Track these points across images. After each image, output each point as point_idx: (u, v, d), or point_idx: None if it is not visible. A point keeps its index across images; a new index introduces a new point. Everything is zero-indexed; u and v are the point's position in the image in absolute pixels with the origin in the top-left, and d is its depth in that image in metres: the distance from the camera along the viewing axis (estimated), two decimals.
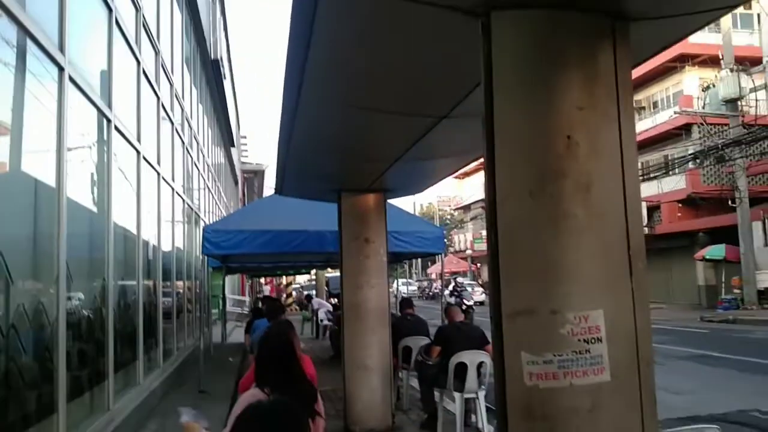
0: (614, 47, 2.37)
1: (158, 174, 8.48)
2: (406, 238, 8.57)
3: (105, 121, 5.76)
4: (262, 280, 34.90)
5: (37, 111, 4.31)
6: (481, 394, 6.16)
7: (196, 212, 13.24)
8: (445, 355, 6.25)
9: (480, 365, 6.13)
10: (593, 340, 2.18)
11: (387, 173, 5.77)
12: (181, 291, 11.40)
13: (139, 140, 7.14)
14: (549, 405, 2.15)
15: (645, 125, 26.16)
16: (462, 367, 6.07)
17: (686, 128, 24.43)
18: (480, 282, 39.88)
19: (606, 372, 2.18)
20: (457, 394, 6.08)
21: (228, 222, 9.45)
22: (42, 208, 4.31)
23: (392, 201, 8.02)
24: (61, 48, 4.40)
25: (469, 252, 44.99)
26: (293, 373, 2.78)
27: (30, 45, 3.95)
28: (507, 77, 2.29)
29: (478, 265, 46.73)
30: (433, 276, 50.07)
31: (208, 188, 16.82)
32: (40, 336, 4.08)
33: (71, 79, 4.61)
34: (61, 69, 4.41)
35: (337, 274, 7.99)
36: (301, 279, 42.19)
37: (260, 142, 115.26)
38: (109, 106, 5.79)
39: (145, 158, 7.45)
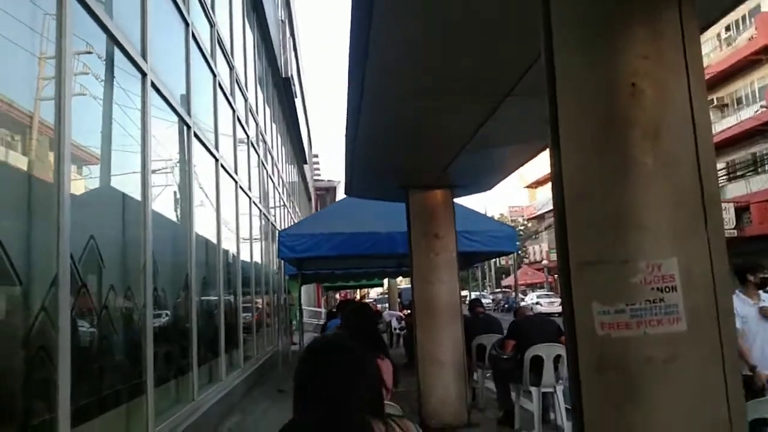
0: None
1: (236, 182, 8.88)
2: (477, 237, 8.50)
3: (185, 128, 6.13)
4: (337, 296, 35.44)
5: (123, 116, 4.65)
6: (559, 388, 5.99)
7: (273, 224, 13.72)
8: (519, 349, 6.14)
9: (557, 358, 5.97)
10: (667, 289, 2.11)
11: (453, 165, 5.79)
12: (260, 300, 11.81)
13: (217, 148, 7.52)
14: (622, 355, 2.09)
15: (729, 122, 24.78)
16: (538, 361, 5.94)
17: None
18: (557, 294, 38.73)
19: (682, 321, 2.10)
20: (533, 389, 5.95)
21: (302, 226, 9.72)
22: (130, 214, 4.62)
23: (462, 202, 8.04)
24: (144, 55, 4.74)
25: (545, 263, 43.82)
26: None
27: (116, 52, 4.30)
28: (567, 28, 2.29)
29: (556, 276, 45.43)
30: (508, 288, 49.17)
31: (284, 202, 17.38)
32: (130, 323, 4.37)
33: (153, 85, 4.95)
34: (144, 74, 4.75)
35: (409, 286, 8.00)
36: (374, 293, 42.51)
37: (332, 160, 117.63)
38: (189, 113, 6.15)
39: (223, 166, 7.84)
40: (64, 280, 3.15)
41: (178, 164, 6.06)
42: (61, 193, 3.20)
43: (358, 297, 34.73)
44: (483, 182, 7.01)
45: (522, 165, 6.44)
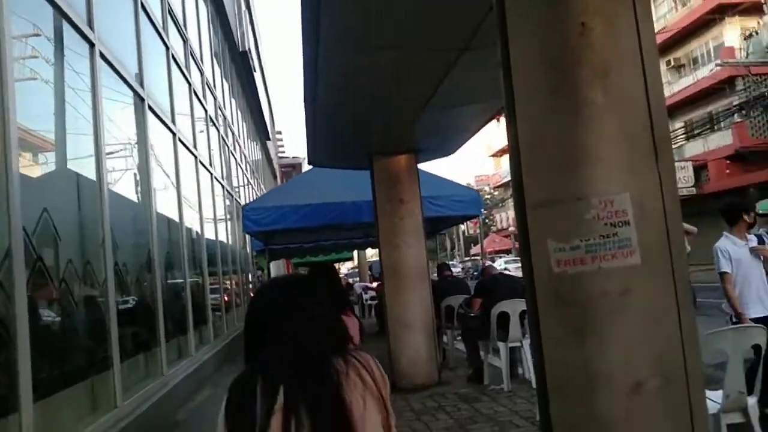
0: None
1: (196, 158, 8.70)
2: (441, 202, 8.54)
3: (139, 101, 5.95)
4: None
5: (71, 90, 4.48)
6: (526, 342, 6.13)
7: (237, 201, 13.54)
8: (486, 307, 6.24)
9: (522, 314, 6.09)
10: (620, 224, 2.15)
11: (415, 128, 5.78)
12: (228, 278, 11.70)
13: (174, 122, 7.34)
14: (579, 290, 2.14)
15: (685, 82, 25.31)
16: (505, 318, 6.06)
17: (729, 81, 23.49)
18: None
19: (636, 255, 2.15)
20: (501, 344, 6.07)
21: (266, 199, 9.61)
22: (85, 191, 4.49)
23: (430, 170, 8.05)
24: (90, 24, 4.56)
25: (511, 229, 44.43)
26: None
27: (61, 22, 4.12)
28: None
29: None
30: (477, 256, 49.84)
31: (248, 180, 17.15)
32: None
33: (102, 56, 4.78)
34: (91, 45, 4.58)
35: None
36: (345, 269, 42.57)
37: (296, 137, 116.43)
38: (142, 86, 5.97)
39: (181, 141, 7.66)
40: (18, 253, 3.06)
41: (133, 139, 5.90)
42: (9, 168, 3.08)
43: None
44: (446, 146, 7.03)
45: (483, 125, 6.46)
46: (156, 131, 6.55)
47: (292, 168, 40.67)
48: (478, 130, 6.66)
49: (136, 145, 5.94)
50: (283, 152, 44.14)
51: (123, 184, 5.59)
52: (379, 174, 6.76)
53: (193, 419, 5.42)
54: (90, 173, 4.52)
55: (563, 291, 2.15)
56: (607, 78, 2.23)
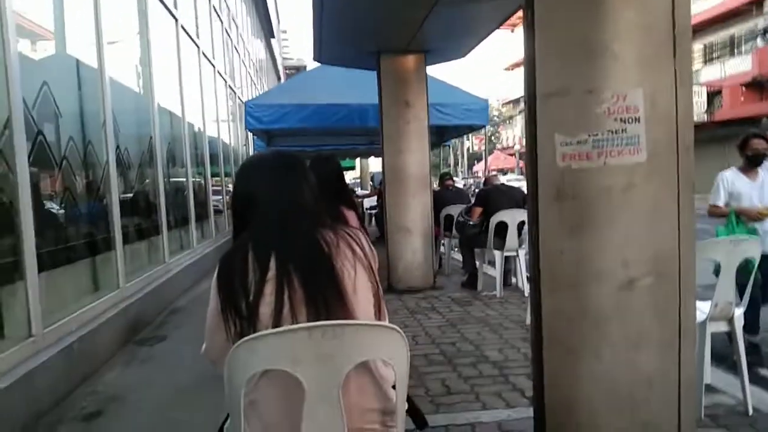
0: None
1: (198, 48, 8.45)
2: (448, 110, 8.40)
3: None
4: None
5: None
6: (522, 252, 6.23)
7: (239, 98, 13.30)
8: (486, 216, 6.28)
9: (521, 224, 6.14)
10: (630, 120, 2.10)
11: (425, 25, 5.55)
12: (230, 176, 11.72)
13: (176, 7, 7.06)
14: (581, 185, 2.12)
15: (711, 2, 24.14)
16: (503, 227, 6.10)
17: (757, 1, 22.39)
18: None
19: (642, 152, 2.11)
20: (497, 252, 6.16)
21: (269, 96, 9.44)
22: (85, 72, 4.37)
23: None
24: None
25: (517, 147, 44.11)
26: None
27: None
28: None
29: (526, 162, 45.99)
30: (479, 173, 49.78)
31: (251, 79, 16.77)
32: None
33: None
34: None
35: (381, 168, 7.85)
36: (347, 178, 42.59)
37: (301, 38, 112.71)
38: None
39: (183, 28, 7.41)
40: (18, 124, 3.03)
41: (134, 25, 5.69)
42: (6, 39, 2.98)
43: None
44: (456, 47, 6.78)
45: (497, 26, 6.19)
46: (158, 17, 6.31)
47: (296, 70, 39.75)
48: (492, 30, 6.39)
49: (137, 31, 5.74)
50: (288, 53, 42.95)
51: (124, 71, 5.44)
52: (385, 73, 6.58)
53: (192, 306, 5.60)
54: (91, 58, 4.39)
55: (566, 185, 2.13)
56: None
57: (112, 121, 4.51)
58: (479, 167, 50.80)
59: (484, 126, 9.51)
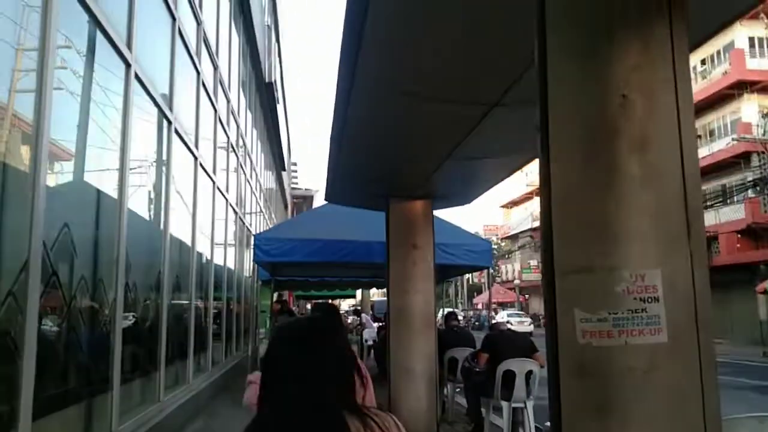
0: (670, 13, 2.37)
1: (214, 183, 8.77)
2: (453, 250, 8.52)
3: (166, 123, 6.04)
4: (308, 305, 35.10)
5: (104, 108, 4.56)
6: (530, 404, 6.00)
7: (248, 229, 13.57)
8: (492, 363, 6.13)
9: (529, 374, 5.98)
10: (650, 300, 2.12)
11: (435, 175, 5.80)
12: (232, 304, 11.64)
13: (197, 147, 7.42)
14: (603, 363, 2.09)
15: (701, 153, 25.38)
16: (510, 376, 5.94)
17: (745, 156, 23.59)
18: (528, 314, 39.09)
19: (663, 333, 2.10)
20: (504, 403, 5.94)
21: (278, 230, 9.63)
22: (105, 208, 4.51)
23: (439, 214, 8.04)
24: (129, 44, 4.66)
25: (517, 282, 44.19)
26: None
27: (100, 38, 4.20)
28: (561, 35, 2.31)
29: (527, 296, 45.79)
30: (480, 305, 49.37)
31: (260, 208, 17.23)
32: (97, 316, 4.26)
33: (137, 77, 4.87)
34: (128, 65, 4.67)
35: (383, 298, 7.80)
36: (346, 305, 42.21)
37: (310, 169, 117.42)
38: (170, 108, 6.06)
39: (202, 166, 7.73)
40: (35, 266, 3.05)
41: (156, 161, 5.97)
42: (37, 182, 3.10)
43: None
44: (464, 194, 7.04)
45: (503, 179, 6.47)
46: (179, 154, 6.62)
47: (303, 200, 40.87)
48: (498, 182, 6.67)
49: (158, 167, 6.00)
50: (297, 183, 44.48)
51: (142, 203, 5.62)
52: (394, 217, 6.76)
53: None
54: (112, 191, 4.56)
55: (587, 363, 2.10)
56: (643, 151, 2.23)
57: (125, 257, 4.56)
58: (480, 299, 50.51)
59: (488, 267, 9.59)
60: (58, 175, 4.01)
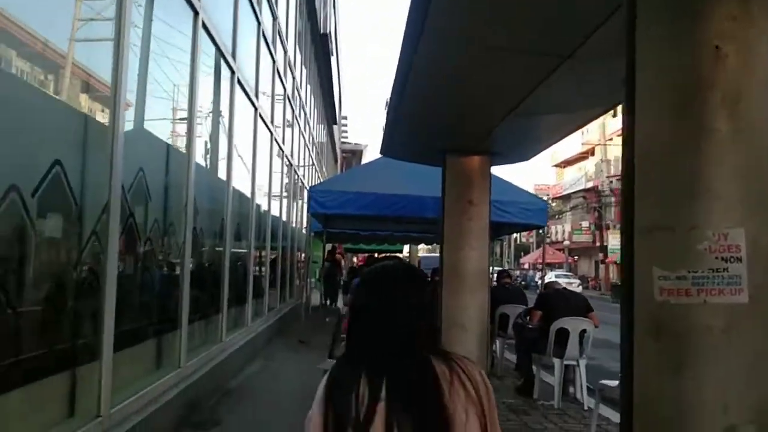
0: None
1: (272, 134, 8.88)
2: (508, 208, 8.45)
3: (229, 73, 6.11)
4: (355, 258, 35.61)
5: (172, 57, 4.63)
6: (582, 362, 6.00)
7: (301, 180, 13.76)
8: (546, 321, 6.13)
9: (582, 333, 5.96)
10: (732, 259, 2.06)
11: (496, 131, 5.69)
12: (286, 254, 11.93)
13: (257, 97, 7.50)
14: (680, 322, 2.06)
15: None
16: (563, 334, 5.93)
17: None
18: (576, 275, 38.61)
19: (744, 293, 2.05)
20: (557, 361, 5.95)
21: (333, 183, 9.73)
22: (175, 155, 4.64)
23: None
24: None
25: (566, 243, 43.48)
26: None
27: None
28: None
29: (576, 257, 45.10)
30: (526, 266, 49.00)
31: (312, 161, 17.40)
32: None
33: (204, 26, 4.92)
34: (196, 13, 4.71)
35: (430, 254, 7.81)
36: None
37: (359, 124, 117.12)
38: (234, 58, 6.12)
39: (261, 117, 7.83)
40: (115, 208, 3.20)
41: (221, 112, 6.07)
42: (116, 130, 3.23)
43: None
44: (523, 151, 6.90)
45: (565, 136, 6.31)
46: (241, 104, 6.71)
47: (352, 154, 40.95)
48: (560, 139, 6.52)
49: (222, 117, 6.10)
50: (346, 138, 44.52)
51: (206, 152, 5.76)
52: (451, 173, 6.70)
53: (243, 390, 5.56)
54: (181, 140, 4.69)
55: (663, 321, 2.08)
56: (736, 106, 2.13)
57: (193, 203, 4.72)
58: (527, 259, 50.10)
59: (542, 227, 9.45)
60: (131, 123, 4.14)
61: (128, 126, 3.79)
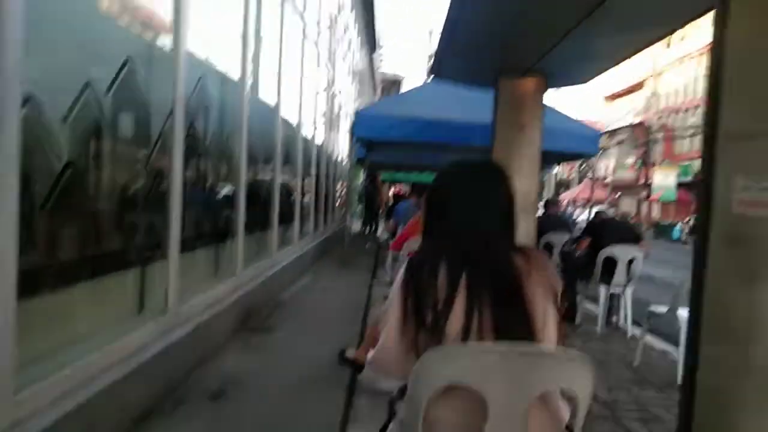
0: None
1: (318, 55, 8.75)
2: (558, 135, 8.21)
3: None
4: (391, 190, 35.58)
5: None
6: (629, 290, 5.98)
7: (342, 105, 13.65)
8: (594, 249, 6.08)
9: (631, 262, 5.90)
10: None
11: (553, 52, 5.47)
12: (329, 180, 12.03)
13: (302, 19, 7.34)
14: (759, 233, 2.01)
15: None
16: (611, 262, 5.89)
17: None
18: (618, 213, 37.95)
19: None
20: (602, 287, 5.95)
21: (380, 107, 9.61)
22: (230, 72, 4.61)
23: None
24: None
25: (609, 180, 42.53)
26: None
27: None
28: None
29: (618, 194, 44.17)
30: (565, 202, 48.28)
31: (354, 88, 17.19)
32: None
33: None
34: None
35: None
36: None
37: (396, 54, 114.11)
38: None
39: (308, 37, 7.68)
40: (179, 112, 3.24)
41: (271, 32, 5.97)
42: (179, 38, 3.21)
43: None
44: (580, 73, 6.63)
45: (625, 59, 6.01)
46: (290, 25, 6.59)
47: (392, 84, 40.25)
48: (619, 62, 6.22)
49: (273, 37, 6.01)
50: (385, 67, 43.65)
51: (257, 74, 5.70)
52: (503, 95, 6.52)
53: (294, 301, 5.76)
54: (236, 60, 4.63)
55: (740, 231, 2.03)
56: None
57: (248, 118, 4.73)
58: (566, 195, 49.33)
59: (593, 155, 9.20)
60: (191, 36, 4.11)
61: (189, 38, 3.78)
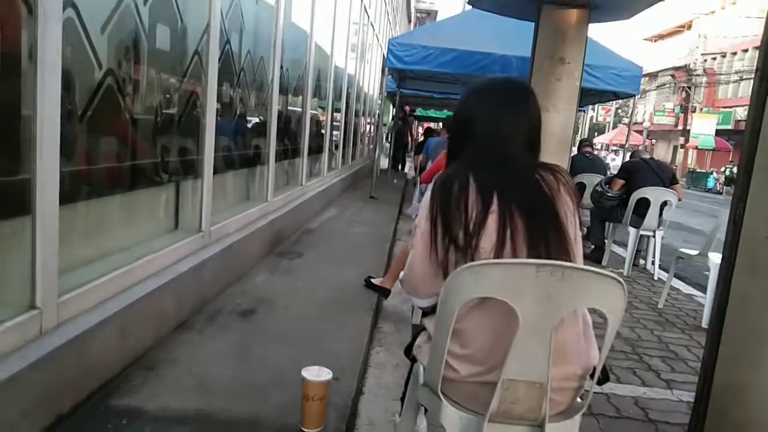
0: None
1: None
2: (599, 73, 7.96)
3: None
4: (420, 129, 35.23)
5: None
6: (659, 233, 5.90)
7: (377, 35, 13.31)
8: (627, 190, 5.98)
9: (664, 205, 5.80)
10: None
11: None
12: (359, 113, 11.90)
13: None
14: None
15: None
16: (643, 204, 5.79)
17: None
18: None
19: None
20: (632, 230, 5.88)
21: (414, 36, 9.34)
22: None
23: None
24: None
25: (646, 125, 41.26)
26: None
27: None
28: None
29: (653, 141, 43.00)
30: (598, 146, 47.24)
31: (388, 18, 16.69)
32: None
33: None
34: None
35: None
36: None
37: None
38: None
39: None
40: (214, 30, 3.20)
41: None
42: None
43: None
44: (626, 6, 6.33)
45: None
46: None
47: (427, 14, 39.05)
48: None
49: None
50: None
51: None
52: (544, 25, 6.26)
53: (322, 229, 5.83)
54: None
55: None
56: None
57: (281, 43, 4.65)
58: (601, 139, 48.23)
59: (633, 95, 8.89)
60: None
61: None
